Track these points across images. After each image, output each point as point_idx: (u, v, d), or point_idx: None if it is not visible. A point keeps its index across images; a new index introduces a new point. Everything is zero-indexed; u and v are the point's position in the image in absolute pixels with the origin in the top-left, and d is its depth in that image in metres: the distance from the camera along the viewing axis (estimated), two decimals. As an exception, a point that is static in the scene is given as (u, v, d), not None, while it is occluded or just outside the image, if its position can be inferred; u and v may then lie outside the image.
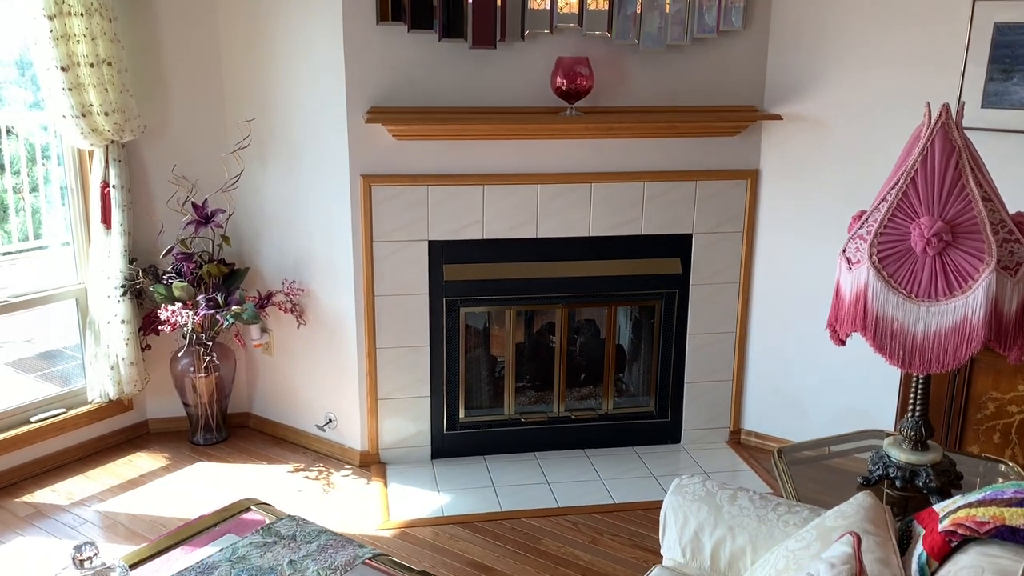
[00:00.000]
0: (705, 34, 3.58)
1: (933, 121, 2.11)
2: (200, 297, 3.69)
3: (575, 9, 3.48)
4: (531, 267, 3.78)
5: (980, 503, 1.67)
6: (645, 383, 4.09)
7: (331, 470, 3.81)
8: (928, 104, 2.13)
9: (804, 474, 2.71)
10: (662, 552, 2.28)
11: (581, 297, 3.90)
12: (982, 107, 3.24)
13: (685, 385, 4.01)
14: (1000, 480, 2.44)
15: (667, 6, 3.51)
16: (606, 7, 3.49)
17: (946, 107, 2.11)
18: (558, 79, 3.48)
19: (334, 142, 3.54)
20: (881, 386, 3.50)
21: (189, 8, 3.74)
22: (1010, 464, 2.50)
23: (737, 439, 4.09)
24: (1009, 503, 1.64)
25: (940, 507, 1.81)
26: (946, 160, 2.08)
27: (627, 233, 3.80)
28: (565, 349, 3.97)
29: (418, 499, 3.56)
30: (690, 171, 3.76)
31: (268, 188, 3.83)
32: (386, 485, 3.67)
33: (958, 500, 1.77)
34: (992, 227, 2.02)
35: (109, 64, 3.47)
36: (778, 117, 3.65)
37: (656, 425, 4.06)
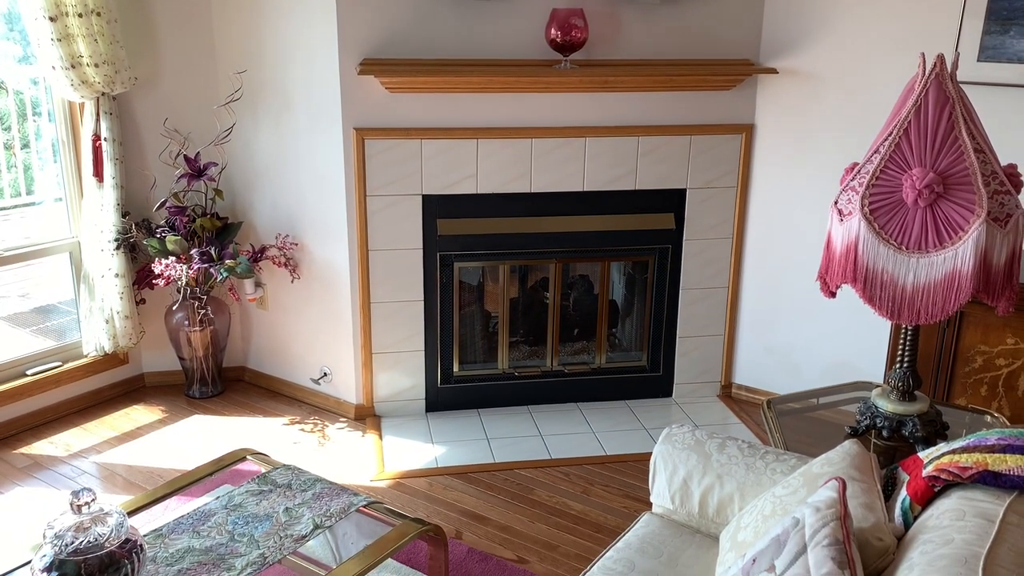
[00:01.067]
0: (702, -14, 3.55)
1: (927, 72, 2.11)
2: (194, 251, 3.69)
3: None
4: (525, 222, 3.78)
5: (964, 450, 1.70)
6: (638, 338, 4.12)
7: (326, 423, 3.85)
8: (923, 55, 2.12)
9: (792, 425, 2.75)
10: (651, 499, 2.32)
11: (575, 252, 3.91)
12: (978, 61, 3.22)
13: (677, 340, 4.04)
14: (985, 429, 2.48)
15: (663, -43, 3.47)
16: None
17: (941, 58, 2.10)
18: (552, 31, 3.44)
19: (327, 95, 3.51)
20: (870, 339, 3.53)
21: (178, -43, 3.68)
22: (995, 415, 2.54)
23: (728, 393, 4.13)
24: (992, 449, 1.67)
25: (924, 454, 1.84)
26: (939, 111, 2.08)
27: (621, 188, 3.79)
28: (558, 304, 3.99)
29: (412, 451, 3.60)
30: (685, 125, 3.75)
31: (260, 141, 3.81)
32: (381, 437, 3.71)
33: (942, 447, 1.81)
34: (984, 178, 2.03)
35: (98, 14, 3.42)
36: (773, 71, 3.62)
37: (648, 379, 4.09)
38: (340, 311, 3.78)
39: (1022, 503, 1.56)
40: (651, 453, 2.35)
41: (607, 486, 3.35)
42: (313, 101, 3.57)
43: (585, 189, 3.77)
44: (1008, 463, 1.61)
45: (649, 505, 2.36)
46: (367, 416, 3.87)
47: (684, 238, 3.90)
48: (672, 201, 3.86)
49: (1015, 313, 2.89)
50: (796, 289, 3.82)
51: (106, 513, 1.89)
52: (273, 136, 3.76)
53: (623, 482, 3.38)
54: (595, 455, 3.57)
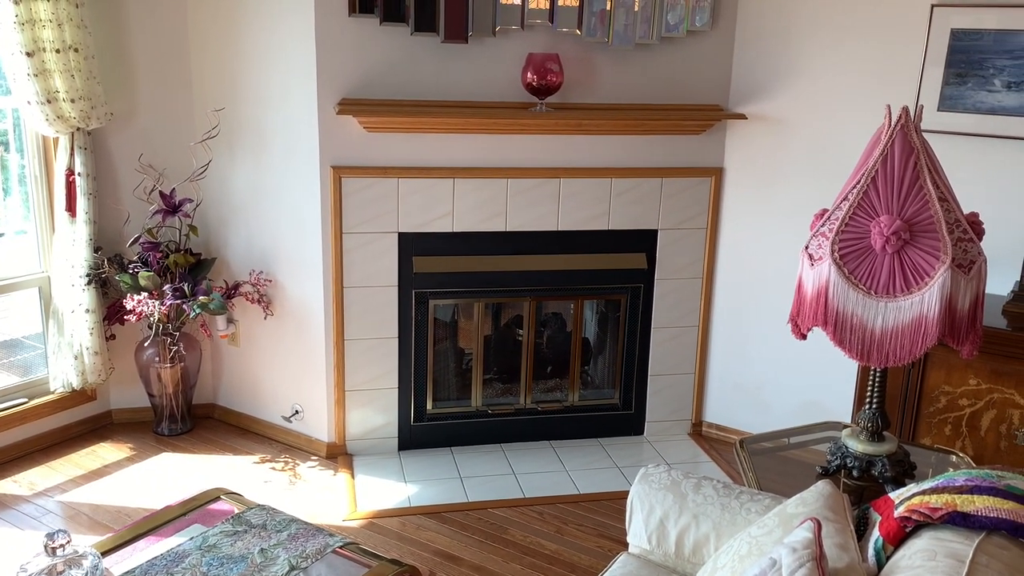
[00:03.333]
0: (672, 33, 3.65)
1: (893, 123, 2.19)
2: (166, 287, 3.67)
3: (545, 5, 3.52)
4: (500, 260, 3.82)
5: (933, 491, 1.75)
6: (610, 376, 4.16)
7: (297, 461, 3.82)
8: (888, 107, 2.21)
9: (765, 464, 2.79)
10: (628, 539, 2.34)
11: (549, 290, 3.95)
12: (938, 110, 3.34)
13: (649, 378, 4.09)
14: (951, 470, 2.54)
15: (635, 4, 3.57)
16: (576, 4, 3.53)
17: (905, 110, 2.19)
18: (528, 75, 3.52)
19: (304, 133, 3.54)
20: (838, 379, 3.61)
21: (157, -5, 3.71)
22: (960, 455, 2.60)
23: (699, 431, 4.17)
24: (960, 490, 1.72)
25: (896, 495, 1.89)
26: (905, 161, 2.16)
27: (595, 228, 3.86)
28: (532, 342, 4.02)
29: (385, 490, 3.58)
30: (656, 168, 3.83)
31: (237, 178, 3.82)
32: (353, 476, 3.68)
33: (912, 488, 1.85)
34: (948, 226, 2.10)
35: (76, 50, 3.43)
36: (742, 116, 3.72)
37: (620, 417, 4.13)
38: (313, 348, 3.77)
39: (990, 543, 1.61)
40: (624, 492, 2.37)
41: (581, 525, 3.36)
42: (291, 139, 3.60)
43: (560, 229, 3.82)
44: (976, 504, 1.66)
45: (623, 544, 2.38)
46: (339, 454, 3.85)
47: (656, 277, 3.97)
48: (644, 241, 3.92)
49: (976, 355, 2.98)
50: (765, 329, 3.89)
51: (80, 555, 1.86)
52: (250, 173, 3.77)
53: (596, 521, 3.39)
54: (568, 494, 3.58)
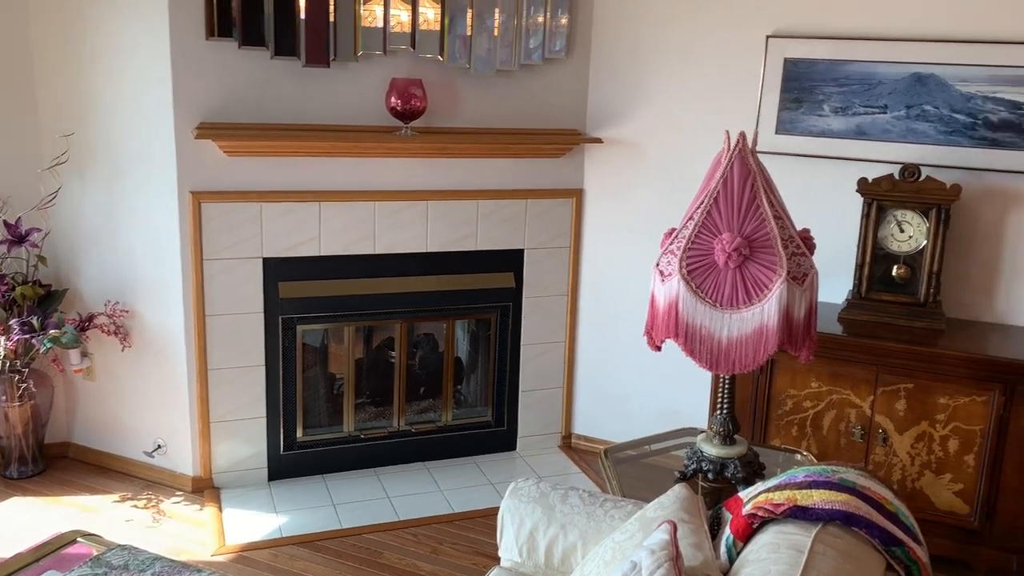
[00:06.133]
0: (531, 60, 3.77)
1: (732, 147, 2.36)
2: (13, 321, 3.47)
3: (407, 29, 3.56)
4: (369, 283, 3.82)
5: (776, 488, 1.89)
6: (482, 394, 4.22)
7: (161, 497, 3.67)
8: (727, 132, 2.38)
9: (628, 472, 2.91)
10: (500, 554, 2.39)
11: (419, 312, 3.98)
12: (776, 133, 3.60)
13: (520, 394, 4.17)
14: (795, 467, 2.73)
15: (495, 30, 3.67)
16: (438, 27, 3.60)
17: (742, 135, 2.36)
18: (392, 99, 3.55)
19: (161, 158, 3.44)
20: (694, 387, 3.79)
21: (-5, 14, 3.53)
22: (804, 453, 2.80)
23: (568, 443, 4.29)
24: (800, 486, 1.87)
25: (744, 494, 2.02)
26: (743, 182, 2.33)
27: (463, 249, 3.92)
28: (404, 364, 4.03)
29: (255, 522, 3.49)
30: (520, 190, 3.94)
31: (89, 205, 3.66)
32: (221, 510, 3.58)
33: (759, 487, 1.99)
34: (783, 242, 2.28)
35: (-97, 71, 3.21)
36: (599, 140, 3.89)
37: (493, 434, 4.19)
38: (175, 379, 3.64)
39: (827, 533, 1.75)
40: (497, 507, 2.43)
41: (456, 544, 3.39)
42: (147, 164, 3.49)
43: (428, 250, 3.86)
44: (814, 498, 1.81)
45: (498, 558, 2.43)
46: (205, 488, 3.73)
47: (524, 296, 4.07)
48: (512, 261, 4.02)
49: (816, 360, 3.21)
50: (627, 342, 4.05)
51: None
52: (103, 200, 3.62)
53: (471, 539, 3.43)
54: (443, 513, 3.60)
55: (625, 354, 4.08)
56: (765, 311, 2.25)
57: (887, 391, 3.15)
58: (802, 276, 2.29)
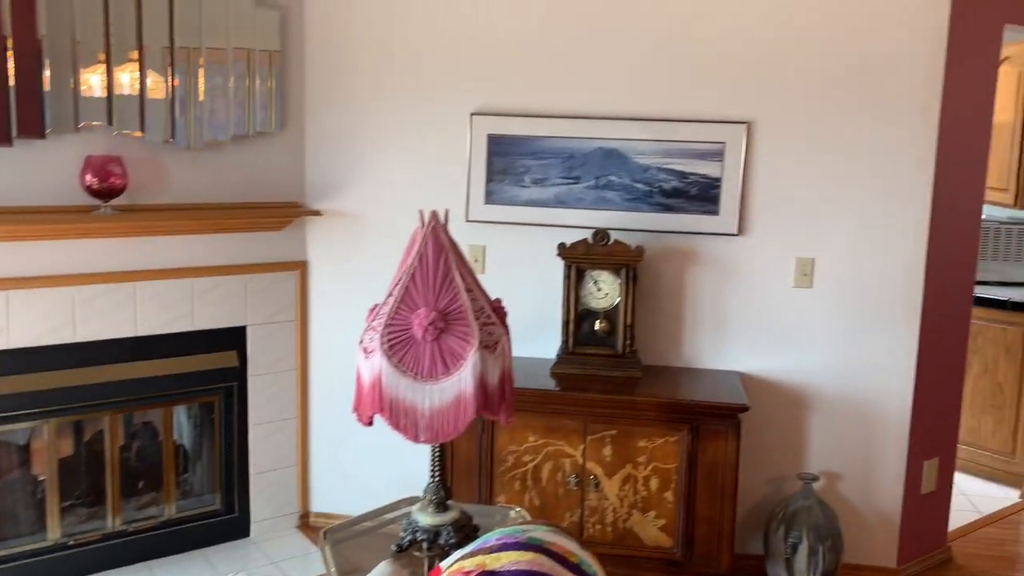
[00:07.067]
0: (242, 133, 3.73)
1: (426, 226, 2.48)
2: None
3: (100, 92, 3.35)
4: (73, 374, 3.53)
5: (469, 555, 1.96)
6: (210, 481, 4.01)
7: None
8: (421, 212, 2.50)
9: (356, 547, 2.88)
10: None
11: (133, 400, 3.72)
12: (485, 203, 3.81)
13: (251, 477, 4.02)
14: (501, 527, 2.85)
15: (200, 102, 3.58)
16: (136, 93, 3.43)
17: (434, 214, 2.49)
18: (88, 177, 3.35)
19: None
20: (421, 455, 3.85)
21: None
22: (518, 509, 2.93)
23: (307, 522, 4.18)
24: (491, 550, 1.95)
25: (444, 564, 2.08)
26: (437, 258, 2.44)
27: (179, 330, 3.74)
28: (118, 457, 3.74)
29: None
30: (239, 265, 3.84)
31: None
32: None
33: (456, 555, 2.06)
34: (474, 313, 2.41)
35: None
36: (318, 213, 3.91)
37: (224, 522, 3.99)
38: None
39: (517, 591, 1.85)
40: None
41: (180, 648, 3.17)
42: None
43: (139, 334, 3.65)
44: (502, 560, 1.90)
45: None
46: None
47: (249, 374, 3.94)
48: (234, 339, 3.89)
49: (532, 414, 3.40)
50: (361, 412, 4.04)
51: None
52: None
53: (198, 639, 3.22)
54: (166, 616, 3.37)
55: (358, 426, 4.04)
56: (462, 380, 2.36)
57: (595, 439, 3.40)
58: (493, 344, 2.43)
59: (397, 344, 2.38)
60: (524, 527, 2.09)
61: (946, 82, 3.49)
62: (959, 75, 3.54)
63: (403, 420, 2.37)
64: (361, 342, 2.45)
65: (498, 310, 2.51)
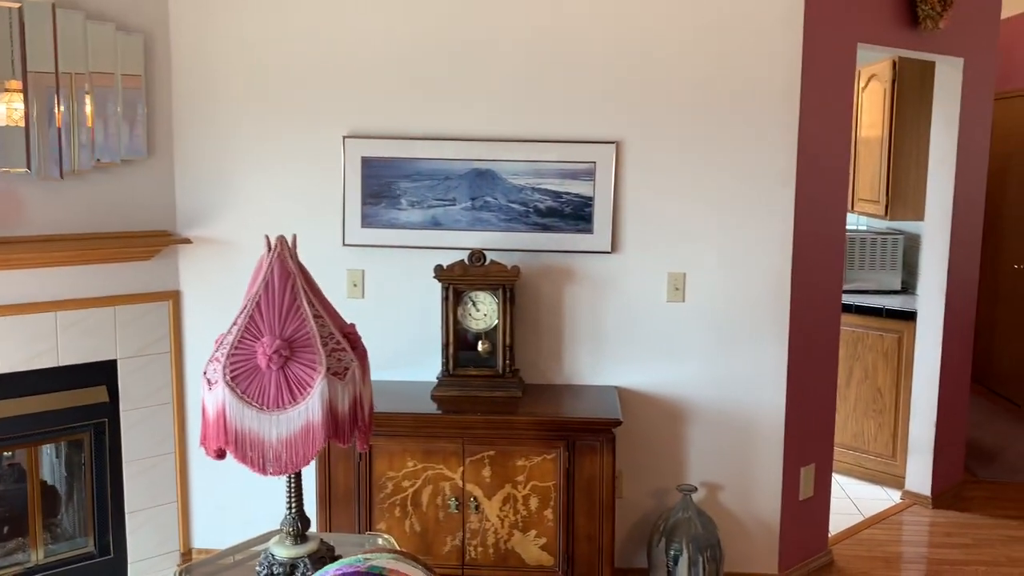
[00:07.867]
0: (107, 160, 3.62)
1: (271, 252, 2.43)
2: None
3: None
4: (-76, 417, 3.35)
5: (304, 587, 1.92)
6: (82, 522, 3.84)
7: None
8: (267, 237, 2.45)
9: (224, 584, 2.79)
10: None
11: (-6, 442, 3.55)
12: (362, 227, 3.77)
13: (127, 516, 3.86)
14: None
15: (59, 129, 3.46)
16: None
17: (281, 239, 2.45)
18: (-67, 210, 3.20)
19: None
20: (306, 484, 3.76)
21: None
22: (385, 537, 2.89)
23: (189, 559, 4.04)
24: (328, 582, 1.91)
25: (285, 598, 2.03)
26: (283, 285, 2.40)
27: (42, 366, 3.59)
28: (-23, 503, 3.56)
29: None
30: (106, 296, 3.71)
31: None
32: None
33: (295, 587, 2.01)
34: (322, 339, 2.37)
35: None
36: (188, 241, 3.81)
37: (99, 565, 3.82)
38: None
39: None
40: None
41: None
42: None
43: (-2, 372, 3.49)
44: (337, 592, 1.85)
45: None
46: None
47: (121, 409, 3.80)
48: (103, 373, 3.75)
49: (411, 439, 3.37)
50: (242, 444, 3.94)
51: None
52: None
53: None
54: (27, 668, 3.20)
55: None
56: (310, 408, 2.31)
57: (474, 460, 3.37)
58: (343, 370, 2.39)
59: (240, 375, 2.32)
60: (367, 555, 2.05)
61: (803, 99, 3.61)
62: (816, 92, 3.67)
63: (250, 452, 2.31)
64: (204, 373, 2.39)
65: (350, 335, 2.47)
